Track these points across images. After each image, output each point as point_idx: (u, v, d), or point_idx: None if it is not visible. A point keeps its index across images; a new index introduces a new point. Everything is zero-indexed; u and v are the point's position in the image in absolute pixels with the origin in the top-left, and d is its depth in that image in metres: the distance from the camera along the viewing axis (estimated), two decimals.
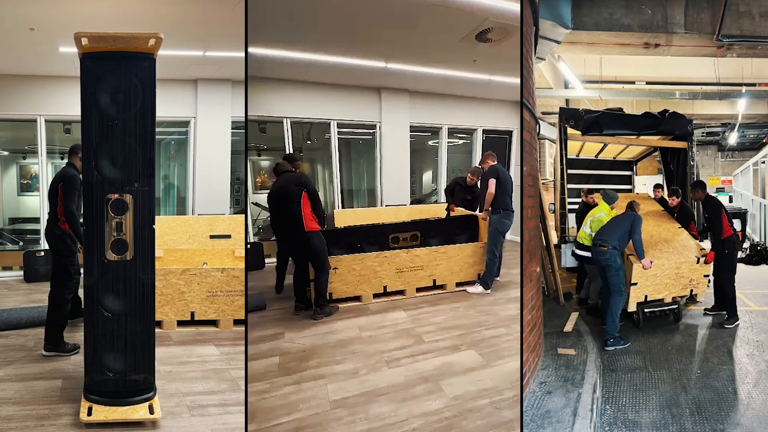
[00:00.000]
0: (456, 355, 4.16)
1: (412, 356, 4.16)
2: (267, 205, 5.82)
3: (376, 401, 3.43)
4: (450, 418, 3.21)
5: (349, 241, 5.99)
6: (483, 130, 10.62)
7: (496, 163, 6.33)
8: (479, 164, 6.79)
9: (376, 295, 5.79)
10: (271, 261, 6.55)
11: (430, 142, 11.03)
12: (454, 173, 10.25)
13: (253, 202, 9.64)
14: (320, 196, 5.62)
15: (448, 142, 10.48)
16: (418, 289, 5.98)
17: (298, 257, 5.56)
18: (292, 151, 8.49)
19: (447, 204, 7.37)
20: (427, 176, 12.09)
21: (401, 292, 5.90)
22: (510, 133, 10.86)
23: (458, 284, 6.18)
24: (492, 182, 6.07)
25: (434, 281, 6.07)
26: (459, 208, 7.15)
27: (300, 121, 9.01)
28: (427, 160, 11.70)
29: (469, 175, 7.20)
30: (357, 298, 5.72)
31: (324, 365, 4.04)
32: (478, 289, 6.01)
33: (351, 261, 5.64)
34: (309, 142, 10.27)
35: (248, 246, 7.92)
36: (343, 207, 9.45)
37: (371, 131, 9.70)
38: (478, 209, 7.07)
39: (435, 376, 3.77)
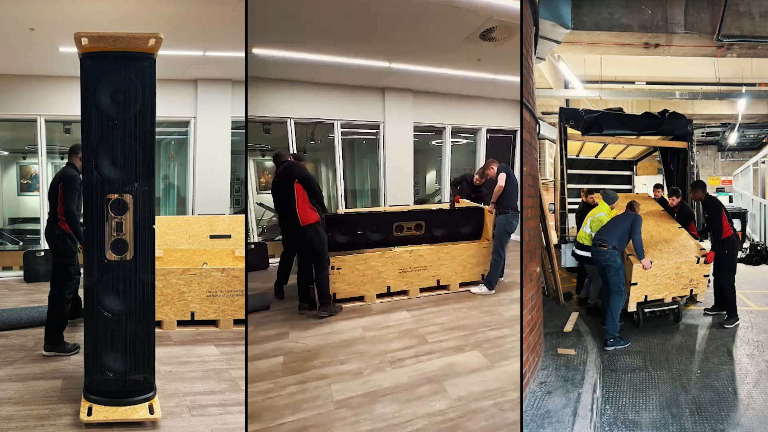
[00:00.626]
0: (460, 356, 4.16)
1: (416, 357, 4.16)
2: (271, 205, 5.76)
3: (380, 401, 3.43)
4: (454, 419, 3.21)
5: (352, 229, 5.96)
6: (487, 129, 10.62)
7: (497, 168, 6.37)
8: (484, 171, 6.77)
9: (379, 295, 5.78)
10: (275, 261, 6.54)
11: (433, 142, 11.03)
12: (458, 173, 10.25)
13: (257, 203, 9.63)
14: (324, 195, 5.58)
15: (452, 142, 10.48)
16: (422, 290, 5.97)
17: (300, 254, 5.56)
18: (296, 152, 8.50)
19: (452, 195, 7.34)
20: (430, 176, 12.09)
21: (405, 293, 5.90)
22: (514, 132, 10.86)
23: (462, 285, 6.17)
24: (502, 176, 6.07)
25: (438, 281, 6.06)
26: (464, 200, 7.11)
27: (304, 122, 9.01)
28: (430, 160, 11.70)
29: (476, 176, 7.18)
30: (360, 299, 5.71)
31: (328, 365, 4.04)
32: (482, 289, 6.00)
33: (355, 261, 5.64)
34: (312, 142, 10.27)
35: (252, 246, 7.92)
36: (346, 207, 9.46)
37: (374, 131, 9.70)
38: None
39: (439, 377, 3.77)
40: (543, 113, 12.37)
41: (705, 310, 6.31)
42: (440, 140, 10.61)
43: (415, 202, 10.05)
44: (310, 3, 5.45)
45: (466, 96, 10.06)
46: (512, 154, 10.91)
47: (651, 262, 5.47)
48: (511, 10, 5.61)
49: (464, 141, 11.08)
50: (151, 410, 3.32)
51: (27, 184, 10.91)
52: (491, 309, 5.39)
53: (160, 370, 3.84)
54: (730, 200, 17.06)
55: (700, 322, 6.05)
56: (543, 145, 11.04)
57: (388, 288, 5.81)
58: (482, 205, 6.58)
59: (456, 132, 10.59)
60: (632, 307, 5.64)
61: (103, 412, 3.26)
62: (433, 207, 7.25)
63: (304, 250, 5.42)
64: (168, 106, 8.21)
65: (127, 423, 3.26)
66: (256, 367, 4.00)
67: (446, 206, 7.36)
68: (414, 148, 9.92)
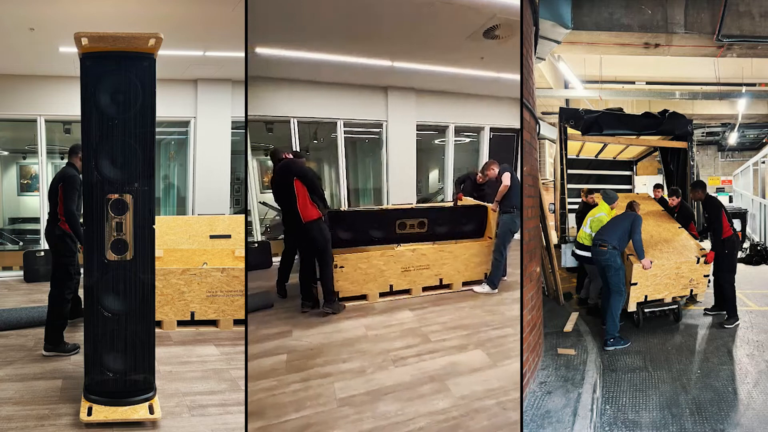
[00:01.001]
0: (462, 355, 4.16)
1: (419, 355, 4.16)
2: (274, 204, 5.72)
3: (383, 399, 3.43)
4: (456, 417, 3.21)
5: (354, 226, 5.95)
6: (490, 128, 10.61)
7: (497, 169, 6.36)
8: (485, 173, 6.75)
9: (382, 294, 5.77)
10: (278, 260, 6.55)
11: (436, 141, 11.04)
12: (461, 172, 10.25)
13: (260, 202, 9.64)
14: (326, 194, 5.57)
15: (455, 141, 10.48)
16: (425, 288, 5.96)
17: (303, 251, 5.56)
18: (297, 149, 8.51)
19: (455, 193, 7.33)
20: (433, 175, 12.09)
21: (407, 291, 5.89)
22: (518, 131, 10.85)
23: (464, 283, 6.16)
24: (507, 175, 6.06)
25: (440, 280, 6.05)
26: (468, 198, 7.10)
27: (307, 121, 9.01)
28: (433, 159, 11.71)
29: (479, 174, 7.15)
30: (363, 297, 5.71)
31: (331, 363, 4.04)
32: (485, 288, 6.00)
33: (357, 260, 5.63)
34: (315, 141, 10.28)
35: (255, 245, 7.92)
36: (349, 206, 9.46)
37: (377, 130, 9.70)
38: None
39: (441, 376, 3.77)
40: (543, 113, 12.36)
41: (705, 310, 6.30)
42: (443, 139, 10.61)
43: (418, 202, 10.05)
44: (310, 2, 5.45)
45: (470, 94, 10.05)
46: (516, 153, 10.89)
47: (651, 262, 5.47)
48: (514, 7, 5.60)
49: (467, 140, 11.08)
50: (151, 410, 3.32)
51: (27, 184, 10.91)
52: (494, 308, 5.39)
53: (160, 370, 3.84)
54: (730, 200, 17.05)
55: (700, 322, 6.05)
56: (543, 145, 11.03)
57: (391, 287, 5.81)
58: (486, 204, 6.58)
59: (459, 131, 10.59)
60: (632, 307, 5.64)
61: (103, 412, 3.26)
62: (436, 205, 7.23)
63: (307, 248, 5.41)
64: (168, 106, 8.21)
65: (127, 423, 3.26)
66: (260, 365, 4.00)
67: (449, 204, 7.35)
68: (417, 146, 9.91)
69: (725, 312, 5.91)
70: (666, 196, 7.15)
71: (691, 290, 5.95)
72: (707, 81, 12.02)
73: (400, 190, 9.66)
